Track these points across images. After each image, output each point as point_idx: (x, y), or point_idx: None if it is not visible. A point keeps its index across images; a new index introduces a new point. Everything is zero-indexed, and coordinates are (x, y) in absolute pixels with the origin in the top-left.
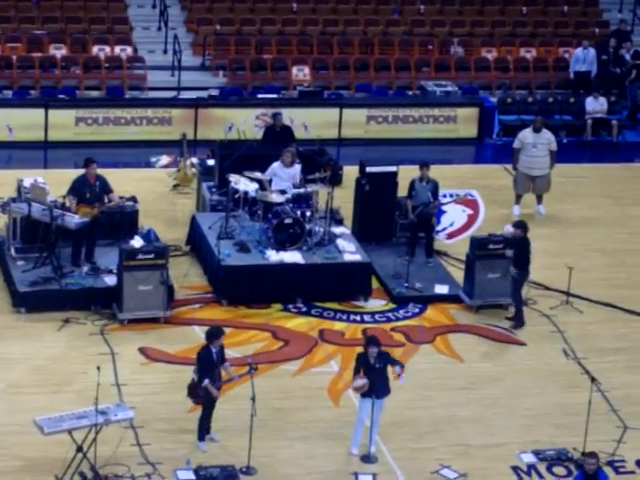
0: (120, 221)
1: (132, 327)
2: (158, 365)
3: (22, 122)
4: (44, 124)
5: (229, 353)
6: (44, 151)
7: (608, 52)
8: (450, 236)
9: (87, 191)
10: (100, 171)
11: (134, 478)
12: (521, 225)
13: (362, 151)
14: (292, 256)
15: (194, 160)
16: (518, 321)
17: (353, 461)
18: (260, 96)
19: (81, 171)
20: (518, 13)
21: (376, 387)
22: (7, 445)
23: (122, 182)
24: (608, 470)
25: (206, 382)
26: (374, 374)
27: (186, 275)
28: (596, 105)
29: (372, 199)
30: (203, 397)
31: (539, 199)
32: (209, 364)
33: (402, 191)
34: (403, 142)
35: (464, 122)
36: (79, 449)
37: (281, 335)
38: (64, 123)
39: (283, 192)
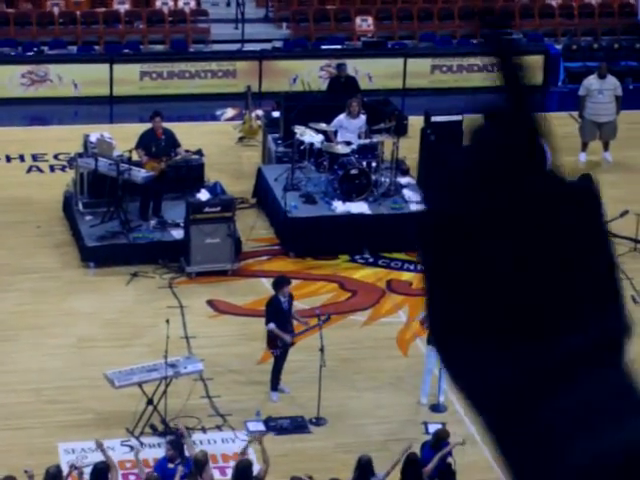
0: (187, 174)
1: (200, 280)
2: (226, 317)
3: (87, 78)
4: (109, 79)
5: (297, 305)
6: (109, 106)
7: None
8: None
9: (153, 145)
10: (165, 125)
11: (204, 430)
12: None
13: (427, 101)
14: (358, 207)
15: (259, 112)
16: None
17: (422, 410)
18: (324, 47)
19: (147, 125)
20: None
21: None
22: (78, 399)
23: (187, 136)
24: None
25: (272, 326)
26: None
27: (253, 227)
28: None
29: (437, 149)
30: (281, 347)
31: (605, 146)
32: (276, 311)
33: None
34: (468, 91)
35: (529, 70)
36: (149, 402)
37: (349, 286)
38: (129, 78)
39: (348, 143)
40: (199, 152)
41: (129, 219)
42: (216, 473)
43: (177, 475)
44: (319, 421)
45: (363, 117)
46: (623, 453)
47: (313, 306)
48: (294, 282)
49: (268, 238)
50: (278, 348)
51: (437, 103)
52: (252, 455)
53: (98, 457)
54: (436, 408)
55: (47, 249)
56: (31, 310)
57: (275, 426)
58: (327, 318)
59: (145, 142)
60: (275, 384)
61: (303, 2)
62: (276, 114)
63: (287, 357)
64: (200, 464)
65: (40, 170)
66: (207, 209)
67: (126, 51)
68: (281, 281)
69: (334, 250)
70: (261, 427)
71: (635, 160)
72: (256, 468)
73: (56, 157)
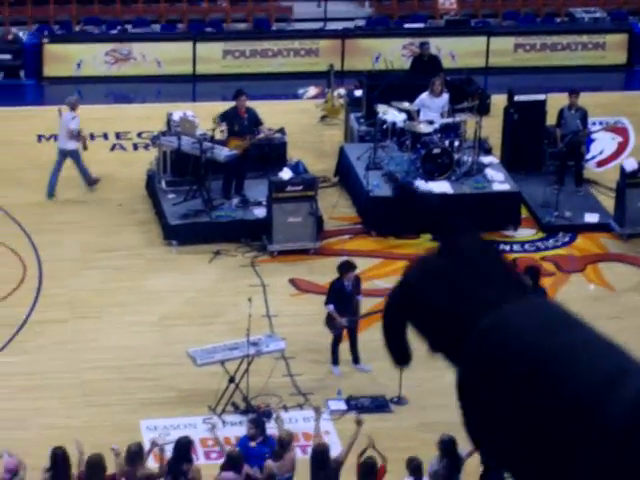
0: (269, 153)
1: (282, 258)
2: (308, 296)
3: (170, 56)
4: (192, 57)
5: (379, 284)
6: (192, 84)
7: None
8: (600, 164)
9: (237, 123)
10: (248, 103)
11: (286, 408)
12: None
13: (510, 79)
14: (441, 186)
15: (341, 91)
16: None
17: None
18: (407, 26)
19: (230, 104)
20: None
21: None
22: (161, 376)
23: (270, 114)
24: None
25: (330, 307)
26: None
27: (335, 206)
28: None
29: (521, 128)
30: (339, 328)
31: None
32: (337, 293)
33: (551, 119)
34: (551, 70)
35: (613, 48)
36: (231, 380)
37: None
38: (212, 56)
39: (431, 122)
40: (281, 131)
41: (212, 197)
42: (298, 452)
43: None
44: (400, 400)
45: (446, 96)
46: None
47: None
48: (376, 261)
49: (350, 217)
50: (336, 329)
51: (520, 82)
52: (335, 435)
53: (181, 434)
54: None
55: (130, 227)
56: (114, 288)
57: (356, 405)
58: None
59: (228, 120)
60: (335, 359)
61: None
62: (358, 93)
63: (368, 337)
64: (284, 443)
65: (123, 148)
66: (289, 188)
67: (209, 29)
68: (346, 266)
69: (416, 229)
70: (342, 406)
71: None
72: (337, 449)
73: (139, 135)
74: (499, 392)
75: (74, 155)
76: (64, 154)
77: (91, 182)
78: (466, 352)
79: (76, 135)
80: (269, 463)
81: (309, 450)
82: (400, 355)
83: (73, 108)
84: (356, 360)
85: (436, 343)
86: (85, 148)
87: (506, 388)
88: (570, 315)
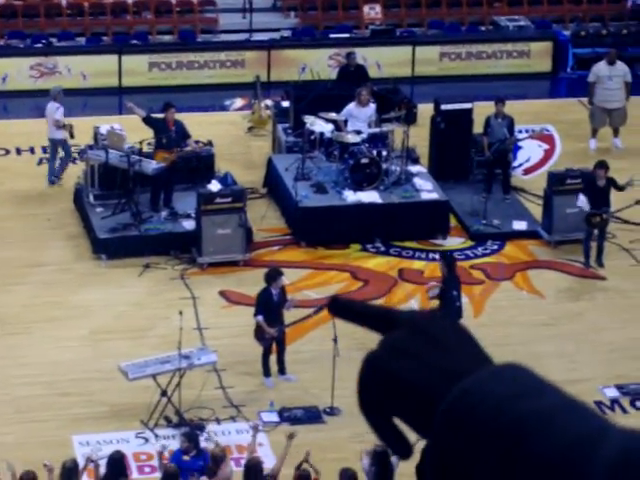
0: (197, 165)
1: (212, 271)
2: (239, 308)
3: (96, 69)
4: (118, 70)
5: (309, 294)
6: (119, 97)
7: None
8: (527, 172)
9: (164, 136)
10: (175, 116)
11: (219, 421)
12: (602, 165)
13: (436, 88)
14: (369, 196)
15: (268, 102)
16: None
17: None
18: (332, 36)
19: (158, 116)
20: None
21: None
22: (92, 391)
23: (197, 126)
24: None
25: (259, 318)
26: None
27: (264, 217)
28: None
29: (448, 137)
30: (268, 338)
31: (615, 132)
32: (266, 304)
33: (477, 128)
34: (477, 78)
35: (538, 56)
36: (164, 393)
37: (360, 275)
38: (137, 69)
39: (359, 132)
40: (209, 143)
41: (140, 210)
42: (232, 465)
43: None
44: (333, 411)
45: (373, 106)
46: None
47: (325, 295)
48: (306, 272)
49: (279, 228)
50: (265, 340)
51: (446, 90)
52: (268, 447)
53: (114, 449)
54: None
55: (59, 242)
56: (44, 303)
57: (289, 416)
58: (319, 309)
59: (154, 130)
60: (267, 371)
61: None
62: (285, 104)
63: (299, 348)
64: (218, 459)
65: None
66: (218, 200)
67: (134, 42)
68: (273, 274)
69: (345, 239)
70: (275, 418)
71: None
72: (271, 461)
73: None
74: (473, 463)
75: (63, 144)
76: (54, 143)
77: (55, 181)
78: (436, 425)
79: (61, 125)
80: None
81: (242, 463)
82: (399, 447)
83: (55, 99)
84: (282, 371)
85: (411, 422)
86: (72, 136)
87: (480, 458)
88: (538, 379)
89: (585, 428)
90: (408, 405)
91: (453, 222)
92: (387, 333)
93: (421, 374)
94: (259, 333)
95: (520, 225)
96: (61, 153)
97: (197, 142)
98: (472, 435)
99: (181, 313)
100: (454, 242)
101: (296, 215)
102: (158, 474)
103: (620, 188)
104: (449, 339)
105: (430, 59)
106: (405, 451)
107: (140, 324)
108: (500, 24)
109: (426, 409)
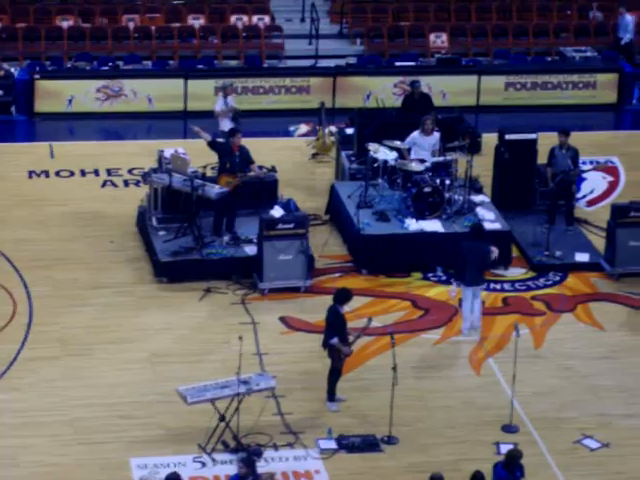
0: (260, 191)
1: (273, 296)
2: (299, 334)
3: (162, 92)
4: (183, 94)
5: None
6: (184, 121)
7: None
8: (590, 203)
9: (228, 161)
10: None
11: (276, 447)
12: None
13: (501, 118)
14: (432, 225)
15: (333, 129)
16: None
17: (495, 431)
18: (398, 64)
19: (222, 140)
20: None
21: None
22: (151, 414)
23: (261, 151)
24: None
25: (335, 340)
26: None
27: (326, 244)
28: None
29: (511, 167)
30: (342, 359)
31: None
32: (337, 323)
33: (542, 158)
34: (542, 109)
35: (604, 88)
36: (222, 418)
37: (421, 304)
38: (203, 93)
39: (422, 161)
40: (273, 169)
41: (202, 235)
42: None
43: None
44: (391, 439)
45: (437, 134)
46: None
47: (385, 324)
48: (367, 299)
49: (341, 255)
50: (340, 360)
51: (511, 120)
52: (324, 474)
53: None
54: (508, 428)
55: (121, 264)
56: (105, 325)
57: (347, 444)
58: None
59: (219, 153)
60: (332, 395)
61: (377, 18)
62: (350, 130)
63: (358, 376)
64: None
65: (114, 185)
66: (280, 225)
67: (200, 66)
68: (347, 294)
69: (407, 268)
70: (333, 445)
71: None
72: None
73: (130, 172)
74: None
75: None
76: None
77: None
78: None
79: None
80: None
81: None
82: None
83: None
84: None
85: None
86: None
87: None
88: None
89: None
90: None
91: (515, 253)
92: None
93: None
94: (334, 354)
95: (582, 257)
96: None
97: (261, 167)
98: None
99: (241, 338)
100: (516, 273)
101: (358, 243)
102: None
103: None
104: None
105: (495, 89)
106: None
107: (200, 348)
108: (566, 55)
109: None
